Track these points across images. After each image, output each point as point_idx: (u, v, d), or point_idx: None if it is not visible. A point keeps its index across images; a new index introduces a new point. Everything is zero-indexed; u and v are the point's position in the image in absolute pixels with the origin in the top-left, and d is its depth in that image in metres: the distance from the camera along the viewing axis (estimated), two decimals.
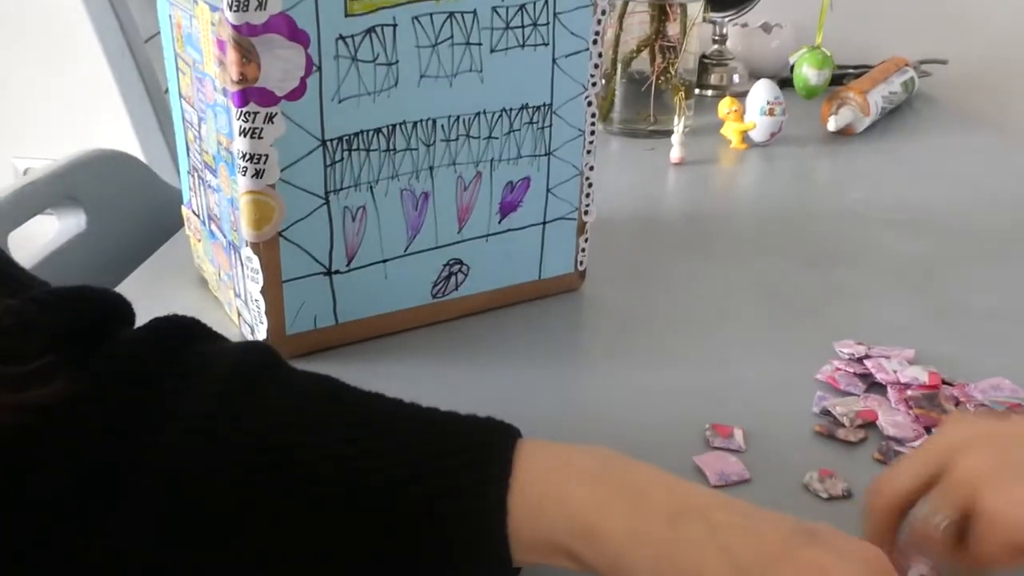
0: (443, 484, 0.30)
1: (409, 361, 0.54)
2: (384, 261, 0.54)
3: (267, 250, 0.50)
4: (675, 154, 0.89)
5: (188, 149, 0.58)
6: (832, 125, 0.96)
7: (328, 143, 0.49)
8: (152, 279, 0.64)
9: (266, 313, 0.51)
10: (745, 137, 0.94)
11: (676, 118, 0.89)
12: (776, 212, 0.79)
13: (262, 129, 0.47)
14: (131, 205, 0.76)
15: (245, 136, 0.47)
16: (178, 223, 0.67)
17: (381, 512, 0.31)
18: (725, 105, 0.94)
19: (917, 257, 0.69)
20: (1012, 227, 0.75)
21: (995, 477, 0.32)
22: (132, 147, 0.84)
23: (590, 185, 0.60)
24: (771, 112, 0.92)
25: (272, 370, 0.34)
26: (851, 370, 0.52)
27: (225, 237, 0.54)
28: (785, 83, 1.09)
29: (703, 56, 1.13)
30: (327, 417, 0.32)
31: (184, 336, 0.35)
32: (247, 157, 0.48)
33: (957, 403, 0.48)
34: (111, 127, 0.94)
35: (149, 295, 0.62)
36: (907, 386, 0.49)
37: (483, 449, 0.31)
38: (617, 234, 0.73)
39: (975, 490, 0.32)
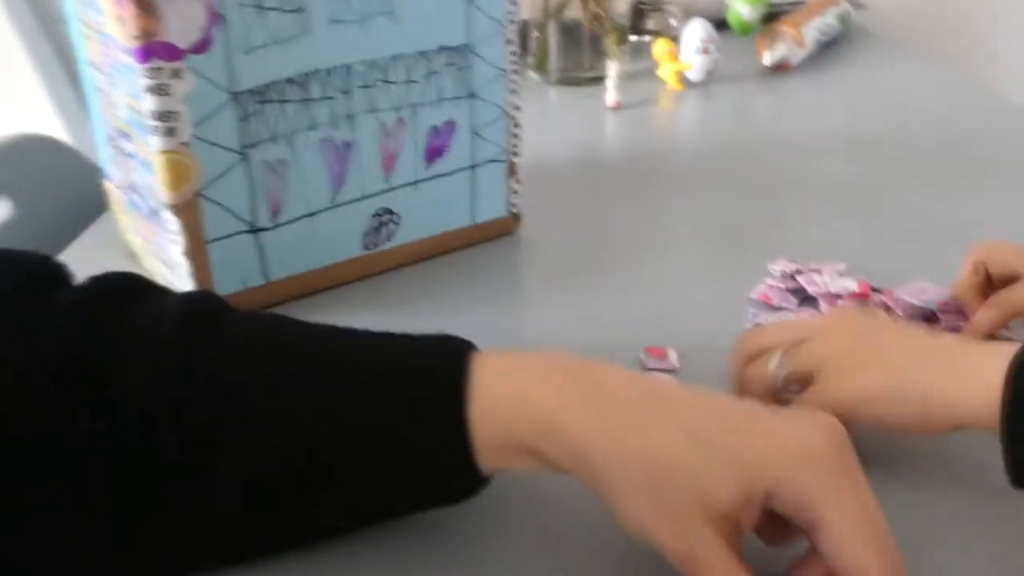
0: (402, 401, 0.30)
1: (346, 315, 0.53)
2: (311, 215, 0.53)
3: (187, 211, 0.49)
4: (611, 98, 0.88)
5: (103, 118, 0.57)
6: (767, 60, 0.96)
7: (240, 96, 0.48)
8: (81, 257, 0.63)
9: (192, 276, 0.50)
10: (682, 78, 0.94)
11: (609, 62, 0.89)
12: (714, 147, 0.79)
13: (169, 85, 0.46)
14: (58, 188, 0.74)
15: (152, 94, 0.46)
16: (107, 203, 0.65)
17: (343, 438, 0.31)
18: (659, 47, 0.94)
19: (851, 180, 0.70)
20: (942, 147, 0.76)
21: (840, 360, 0.35)
22: (58, 130, 0.82)
23: (517, 125, 0.59)
24: (705, 51, 0.92)
25: (214, 321, 0.33)
26: (784, 286, 0.52)
27: (146, 204, 0.53)
28: (723, 25, 1.09)
29: (639, 1, 1.12)
30: (277, 357, 0.32)
31: (121, 295, 0.34)
32: (157, 115, 0.46)
33: (887, 309, 0.48)
34: (34, 111, 0.91)
35: (79, 273, 0.60)
36: (838, 296, 0.50)
37: (438, 359, 0.31)
38: (554, 179, 0.72)
39: (820, 364, 0.36)
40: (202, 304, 0.34)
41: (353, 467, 0.31)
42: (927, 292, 0.48)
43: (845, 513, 0.27)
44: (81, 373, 0.31)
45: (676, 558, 0.29)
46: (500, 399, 0.30)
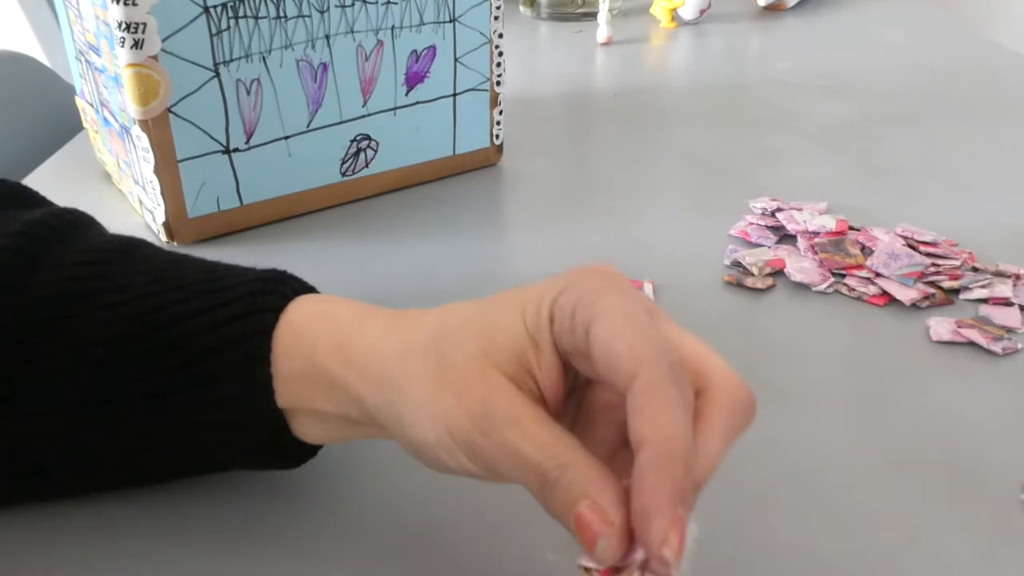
0: (210, 321, 0.30)
1: (322, 240, 0.53)
2: (286, 138, 0.52)
3: (157, 127, 0.48)
4: (602, 34, 0.86)
5: (72, 32, 0.55)
6: (762, 0, 0.94)
7: (212, 9, 0.47)
8: (54, 177, 0.62)
9: (163, 195, 0.49)
10: (675, 15, 0.92)
11: None
12: (703, 85, 0.77)
13: None
14: (32, 108, 0.72)
15: (118, 3, 0.44)
16: (81, 123, 0.64)
17: (151, 355, 0.30)
18: None
19: (839, 120, 0.69)
20: (933, 89, 0.75)
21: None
22: (33, 47, 0.80)
23: (500, 54, 0.58)
24: None
25: (63, 233, 0.32)
26: (764, 223, 0.52)
27: (116, 121, 0.51)
28: None
29: None
30: (107, 272, 0.31)
31: None
32: (124, 27, 0.45)
33: (863, 248, 0.48)
34: (8, 28, 0.89)
35: (50, 193, 0.59)
36: (815, 234, 0.50)
37: (261, 285, 0.31)
38: (540, 112, 0.71)
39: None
40: (58, 218, 0.33)
41: (151, 392, 0.30)
42: (899, 259, 0.47)
43: (619, 306, 0.25)
44: None
45: (475, 428, 0.25)
46: (309, 319, 0.30)
